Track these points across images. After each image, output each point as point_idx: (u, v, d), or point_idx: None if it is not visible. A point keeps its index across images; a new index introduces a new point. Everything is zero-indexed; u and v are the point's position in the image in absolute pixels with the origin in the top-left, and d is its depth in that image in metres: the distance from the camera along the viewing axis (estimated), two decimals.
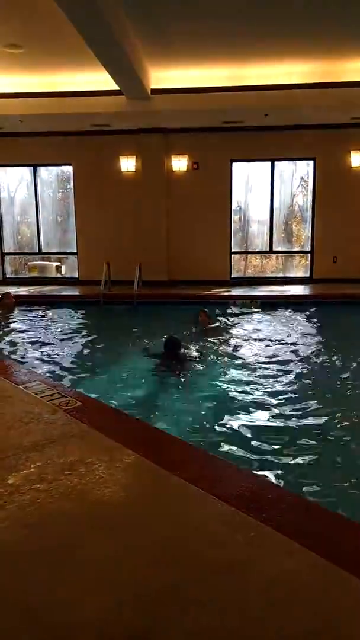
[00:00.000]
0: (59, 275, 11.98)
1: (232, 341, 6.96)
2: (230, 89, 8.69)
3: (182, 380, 5.21)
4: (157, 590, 1.67)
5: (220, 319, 8.36)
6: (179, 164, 11.03)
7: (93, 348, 6.84)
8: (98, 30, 5.92)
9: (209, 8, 6.25)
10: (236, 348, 6.57)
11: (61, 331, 7.88)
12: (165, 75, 8.72)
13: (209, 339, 6.91)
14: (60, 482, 2.34)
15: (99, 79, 8.34)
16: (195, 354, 6.01)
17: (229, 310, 9.08)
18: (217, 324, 7.93)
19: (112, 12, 5.82)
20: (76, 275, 11.79)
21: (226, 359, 6.04)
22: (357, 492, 3.03)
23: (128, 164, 11.08)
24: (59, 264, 12.14)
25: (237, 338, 7.17)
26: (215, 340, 6.89)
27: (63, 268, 12.18)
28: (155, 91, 8.82)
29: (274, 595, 1.65)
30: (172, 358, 5.48)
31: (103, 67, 7.24)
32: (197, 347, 6.41)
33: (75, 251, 11.78)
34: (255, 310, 9.12)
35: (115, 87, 8.33)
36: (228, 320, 8.44)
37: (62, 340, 7.32)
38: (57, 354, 6.52)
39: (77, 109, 9.13)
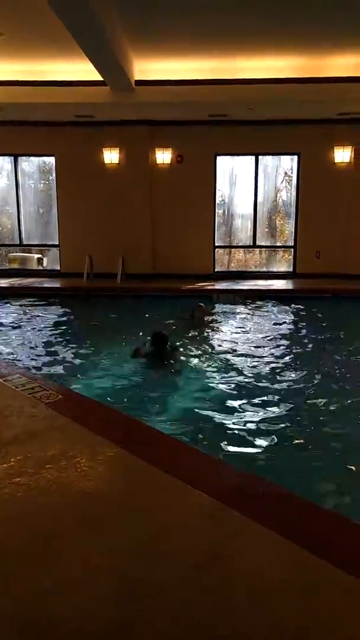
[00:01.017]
0: (40, 268, 11.84)
1: (219, 335, 6.96)
2: (215, 82, 8.63)
3: (169, 374, 5.18)
4: (138, 584, 1.66)
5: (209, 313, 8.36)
6: (163, 156, 10.96)
7: (75, 341, 6.77)
8: (82, 20, 5.81)
9: (194, 0, 6.19)
10: (223, 342, 6.57)
11: (42, 324, 7.79)
12: (149, 67, 8.63)
13: (203, 333, 6.90)
14: (41, 476, 2.31)
15: (83, 69, 8.20)
16: (182, 348, 5.99)
17: (215, 305, 9.07)
18: (211, 318, 7.89)
19: (97, 1, 5.73)
20: (58, 268, 11.66)
21: (213, 353, 6.03)
22: (343, 484, 3.05)
23: (111, 156, 10.97)
24: (40, 256, 12.00)
25: (224, 332, 7.18)
26: (204, 334, 6.89)
27: (44, 260, 12.04)
28: (139, 83, 8.73)
29: (257, 587, 1.65)
30: (159, 353, 5.44)
31: (87, 57, 7.13)
32: (188, 340, 6.40)
33: (57, 243, 11.65)
34: (238, 304, 9.13)
35: (99, 78, 8.21)
36: (215, 314, 8.45)
37: (43, 333, 7.25)
38: (38, 347, 6.45)
39: (59, 98, 8.98)
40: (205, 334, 6.94)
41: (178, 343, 5.94)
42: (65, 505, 2.11)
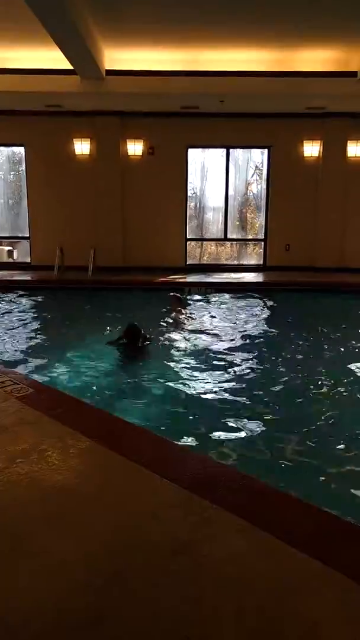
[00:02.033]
0: (10, 260, 11.65)
1: (191, 327, 6.99)
2: (186, 74, 8.63)
3: (141, 366, 5.20)
4: (110, 575, 1.70)
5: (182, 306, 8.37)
6: (135, 148, 10.89)
7: (46, 335, 6.72)
8: (51, 7, 5.73)
9: None
10: (195, 333, 6.61)
11: (13, 317, 7.69)
12: (120, 57, 8.55)
13: (178, 325, 6.92)
14: (12, 470, 2.31)
15: (52, 57, 8.07)
16: (156, 339, 6.01)
17: (188, 297, 9.10)
18: (186, 309, 7.89)
19: None
20: (28, 260, 11.50)
21: (186, 344, 6.07)
22: (314, 473, 3.14)
23: (82, 147, 10.84)
24: (10, 248, 11.79)
25: (196, 324, 7.20)
26: (180, 325, 6.92)
27: (15, 253, 11.85)
28: (110, 72, 8.65)
29: (224, 574, 1.70)
30: (132, 345, 5.45)
31: (55, 43, 7.02)
32: (163, 331, 6.43)
33: (28, 235, 11.47)
34: (210, 296, 9.19)
35: (69, 67, 8.10)
36: (187, 306, 8.46)
37: (13, 326, 7.15)
38: (9, 341, 6.37)
39: (28, 87, 8.82)
40: (181, 325, 6.96)
41: (150, 335, 5.95)
42: (36, 499, 2.12)
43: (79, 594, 1.62)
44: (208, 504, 2.05)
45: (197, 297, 9.14)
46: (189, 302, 8.80)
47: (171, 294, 8.01)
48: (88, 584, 1.66)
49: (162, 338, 6.22)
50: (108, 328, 6.62)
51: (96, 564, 1.75)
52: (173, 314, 7.33)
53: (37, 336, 6.64)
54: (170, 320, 7.07)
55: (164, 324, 6.93)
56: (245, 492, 2.19)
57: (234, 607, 1.55)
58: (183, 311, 7.56)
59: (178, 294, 7.95)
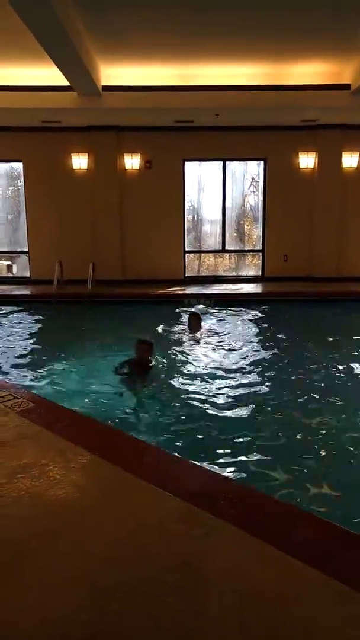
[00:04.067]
0: (9, 275, 11.70)
1: (207, 344, 6.80)
2: (181, 89, 8.75)
3: (146, 379, 5.10)
4: (113, 591, 1.69)
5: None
6: (132, 162, 11.00)
7: (46, 348, 6.73)
8: (48, 25, 5.83)
9: (160, 6, 6.27)
10: (196, 348, 6.56)
11: (12, 331, 7.71)
12: (116, 73, 8.67)
13: (198, 342, 6.80)
14: (13, 485, 2.31)
15: (50, 74, 8.19)
16: (161, 350, 5.89)
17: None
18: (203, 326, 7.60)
19: (63, 7, 5.75)
20: (28, 275, 11.55)
21: (196, 360, 5.94)
22: (316, 486, 3.13)
23: (80, 161, 10.94)
24: (9, 263, 11.86)
25: (213, 341, 7.00)
26: (193, 342, 6.83)
27: (14, 267, 11.90)
28: (106, 88, 8.77)
29: (226, 587, 1.70)
30: (141, 362, 5.29)
31: (53, 61, 7.13)
32: (167, 344, 6.35)
33: (27, 250, 11.53)
34: (210, 308, 9.17)
35: (66, 83, 8.22)
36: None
37: (13, 341, 7.17)
38: (9, 355, 6.37)
39: (26, 103, 8.93)
40: (199, 343, 6.85)
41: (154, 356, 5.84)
42: (37, 514, 2.12)
43: (81, 609, 1.62)
44: (209, 516, 2.05)
45: (212, 314, 8.85)
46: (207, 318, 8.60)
47: (190, 312, 7.75)
48: (90, 598, 1.66)
49: (167, 351, 6.16)
50: (106, 341, 6.58)
51: (98, 578, 1.75)
52: (192, 333, 7.17)
53: (37, 350, 6.64)
54: (190, 340, 6.93)
55: (170, 336, 6.89)
56: (246, 504, 2.19)
57: (236, 619, 1.56)
58: (202, 330, 7.33)
59: (198, 313, 7.71)
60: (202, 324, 7.46)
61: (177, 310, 8.96)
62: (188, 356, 6.09)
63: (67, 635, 1.53)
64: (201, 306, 8.99)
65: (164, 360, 5.68)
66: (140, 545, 1.92)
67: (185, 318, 8.21)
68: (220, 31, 7.07)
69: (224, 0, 6.10)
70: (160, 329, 7.47)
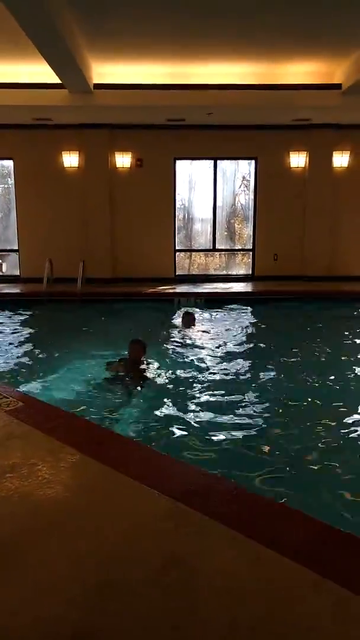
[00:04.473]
0: None
1: (200, 343, 6.77)
2: (173, 87, 8.73)
3: (137, 380, 5.03)
4: (102, 589, 1.68)
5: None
6: (123, 160, 10.96)
7: (36, 347, 6.68)
8: (40, 23, 5.78)
9: (152, 5, 6.24)
10: (202, 349, 6.48)
11: (2, 330, 7.65)
12: (108, 71, 8.63)
13: (191, 341, 6.78)
14: (2, 485, 2.29)
15: (41, 71, 8.13)
16: (154, 351, 5.85)
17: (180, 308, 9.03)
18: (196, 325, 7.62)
19: (55, 6, 5.71)
20: (17, 273, 11.47)
21: (187, 359, 5.92)
22: (303, 484, 3.14)
23: (71, 159, 10.88)
24: None
25: (206, 340, 6.98)
26: (185, 340, 6.81)
27: (4, 265, 11.82)
28: (98, 86, 8.72)
29: (218, 585, 1.70)
30: (133, 364, 5.25)
31: (44, 58, 7.07)
32: (158, 344, 6.32)
33: (17, 248, 11.45)
34: (200, 307, 9.18)
35: (57, 80, 8.16)
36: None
37: (2, 339, 7.12)
38: None
39: (17, 101, 8.85)
40: (192, 342, 6.82)
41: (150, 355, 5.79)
42: (27, 513, 2.11)
43: (71, 609, 1.60)
44: (200, 515, 2.05)
45: (205, 314, 8.85)
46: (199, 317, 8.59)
47: (185, 312, 7.76)
48: (80, 598, 1.65)
49: (159, 350, 6.13)
50: (97, 339, 6.57)
51: (88, 578, 1.74)
52: (186, 331, 7.18)
53: (27, 349, 6.60)
54: (184, 338, 6.92)
55: (162, 335, 6.87)
56: (238, 503, 2.19)
57: (228, 618, 1.55)
58: (195, 329, 7.36)
59: (192, 312, 7.71)
60: (195, 322, 7.48)
61: (169, 308, 8.96)
62: (180, 355, 6.09)
63: (60, 634, 1.52)
64: (195, 308, 8.91)
65: (156, 360, 5.65)
66: (131, 544, 1.91)
67: (176, 317, 8.22)
68: (213, 31, 7.06)
69: (217, 0, 6.09)
70: (151, 327, 7.46)
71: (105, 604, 1.62)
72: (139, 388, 4.82)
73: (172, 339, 6.89)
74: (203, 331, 7.42)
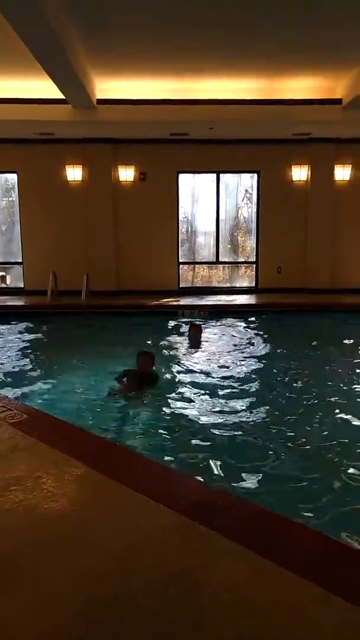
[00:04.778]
0: (3, 285, 11.67)
1: (206, 356, 6.81)
2: (175, 102, 8.83)
3: (142, 393, 5.03)
4: (108, 604, 1.67)
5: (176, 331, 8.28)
6: (126, 174, 11.06)
7: (40, 359, 6.70)
8: (42, 39, 5.87)
9: (154, 21, 6.35)
10: (194, 359, 6.54)
11: (6, 343, 7.67)
12: (111, 86, 8.75)
13: (196, 352, 6.79)
14: (7, 498, 2.29)
15: (44, 87, 8.25)
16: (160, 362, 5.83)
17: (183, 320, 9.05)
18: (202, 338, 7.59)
19: (59, 23, 5.81)
20: (21, 285, 11.53)
21: (194, 372, 5.90)
22: (313, 501, 3.12)
23: (74, 173, 10.99)
24: (3, 273, 11.83)
25: (212, 352, 7.00)
26: (191, 354, 6.81)
27: (8, 278, 11.88)
28: (101, 101, 8.83)
29: (224, 599, 1.69)
30: (144, 373, 5.24)
31: (47, 74, 7.18)
32: (164, 355, 6.31)
33: (21, 260, 11.53)
34: (204, 319, 9.18)
35: (61, 96, 8.28)
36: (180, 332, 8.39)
37: (7, 352, 7.13)
38: (2, 367, 6.34)
39: (21, 115, 8.98)
40: (192, 353, 6.83)
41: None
42: (32, 526, 2.10)
43: (77, 623, 1.59)
44: (205, 529, 2.04)
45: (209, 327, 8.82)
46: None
47: (191, 324, 7.75)
48: (85, 612, 1.64)
49: (165, 362, 6.12)
50: (101, 352, 6.57)
51: (93, 592, 1.73)
52: (191, 343, 7.18)
53: (31, 361, 6.61)
54: (189, 350, 6.93)
55: (167, 347, 6.85)
56: (243, 517, 2.17)
57: (234, 633, 1.54)
58: (201, 341, 7.34)
59: (198, 324, 7.71)
60: (202, 335, 7.48)
61: (173, 321, 8.98)
62: (187, 368, 6.08)
63: None
64: (198, 321, 8.92)
65: (163, 372, 5.65)
66: (135, 557, 1.90)
67: (181, 329, 8.24)
68: (215, 46, 7.16)
69: (219, 16, 6.19)
70: (156, 340, 7.46)
71: (110, 618, 1.60)
72: (145, 400, 4.82)
73: (177, 352, 6.90)
74: (209, 343, 7.43)
